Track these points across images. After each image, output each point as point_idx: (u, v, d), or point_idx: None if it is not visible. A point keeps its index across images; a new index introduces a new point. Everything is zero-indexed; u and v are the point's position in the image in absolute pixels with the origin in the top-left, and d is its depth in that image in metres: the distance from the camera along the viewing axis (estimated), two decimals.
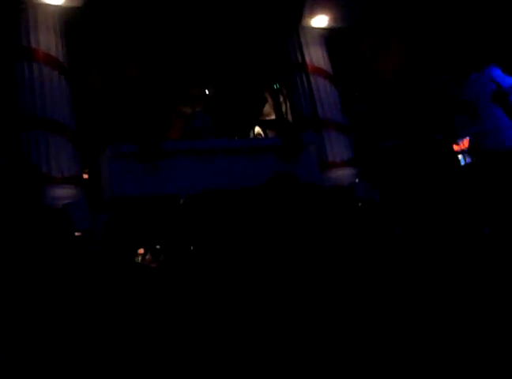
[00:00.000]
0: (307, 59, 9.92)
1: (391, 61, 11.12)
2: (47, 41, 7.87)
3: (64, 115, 7.80)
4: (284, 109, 11.11)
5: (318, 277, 3.82)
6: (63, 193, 7.35)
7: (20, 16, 7.81)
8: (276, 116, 11.73)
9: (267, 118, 11.07)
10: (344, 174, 9.24)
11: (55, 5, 7.97)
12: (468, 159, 8.08)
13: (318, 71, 9.87)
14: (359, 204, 8.09)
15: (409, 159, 8.50)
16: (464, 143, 8.18)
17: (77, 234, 6.45)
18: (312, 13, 9.67)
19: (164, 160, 7.58)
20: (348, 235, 6.27)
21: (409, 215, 6.44)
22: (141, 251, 6.23)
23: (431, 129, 9.00)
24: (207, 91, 12.96)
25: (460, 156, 8.19)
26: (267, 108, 11.15)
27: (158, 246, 5.92)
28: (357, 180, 8.69)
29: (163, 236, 5.98)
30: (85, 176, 8.35)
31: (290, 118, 10.83)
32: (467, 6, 9.92)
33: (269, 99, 11.45)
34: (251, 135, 9.78)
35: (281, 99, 11.20)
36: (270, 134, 10.27)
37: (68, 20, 8.27)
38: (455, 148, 8.28)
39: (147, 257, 6.04)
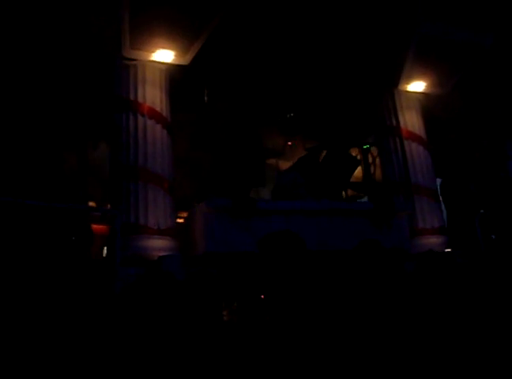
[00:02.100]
0: (402, 123, 9.89)
1: None
2: (153, 96, 8.18)
3: (164, 167, 8.03)
4: (372, 170, 11.07)
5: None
6: (159, 244, 7.50)
7: (129, 71, 8.18)
8: (363, 177, 11.68)
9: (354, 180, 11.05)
10: (434, 241, 9.03)
11: (163, 62, 8.28)
12: None
13: (412, 136, 9.81)
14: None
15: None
16: None
17: None
18: (409, 78, 9.66)
19: (257, 218, 7.65)
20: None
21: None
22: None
23: None
24: (289, 143, 13.11)
25: None
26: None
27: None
28: (449, 249, 8.48)
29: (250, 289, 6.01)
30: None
31: (376, 178, 10.78)
32: None
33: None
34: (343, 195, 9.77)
35: (370, 160, 11.17)
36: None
37: (172, 76, 8.59)
38: None
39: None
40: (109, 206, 8.66)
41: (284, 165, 11.99)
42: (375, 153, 10.98)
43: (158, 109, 8.17)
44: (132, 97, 8.10)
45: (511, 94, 10.58)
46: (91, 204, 10.56)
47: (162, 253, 7.19)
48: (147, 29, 7.74)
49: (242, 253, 6.99)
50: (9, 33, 8.23)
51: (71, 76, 9.35)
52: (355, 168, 9.45)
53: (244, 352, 4.36)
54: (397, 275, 7.37)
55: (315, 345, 4.30)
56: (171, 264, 6.90)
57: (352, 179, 11.29)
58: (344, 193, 9.24)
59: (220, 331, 5.41)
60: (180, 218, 9.04)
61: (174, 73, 8.65)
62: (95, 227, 8.97)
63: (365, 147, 11.21)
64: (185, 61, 8.32)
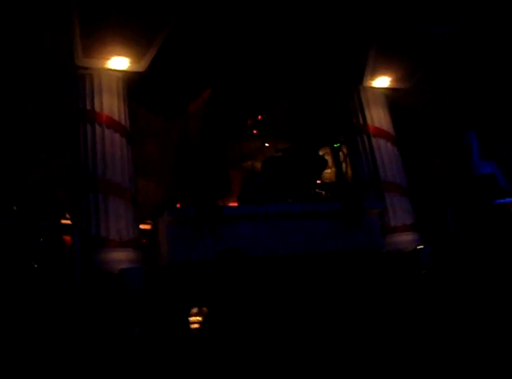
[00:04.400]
0: (369, 120, 9.76)
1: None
2: (110, 104, 7.99)
3: (124, 177, 7.84)
4: (344, 169, 10.93)
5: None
6: (121, 256, 7.32)
7: (84, 80, 8.00)
8: (336, 176, 11.54)
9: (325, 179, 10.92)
10: (407, 239, 8.91)
11: (119, 70, 8.10)
12: None
13: (380, 132, 9.67)
14: (423, 272, 7.79)
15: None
16: None
17: None
18: (373, 75, 9.53)
19: (223, 225, 7.51)
20: (403, 301, 6.00)
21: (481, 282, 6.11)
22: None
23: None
24: (266, 144, 12.98)
25: None
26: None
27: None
28: (422, 246, 8.34)
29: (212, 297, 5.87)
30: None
31: (349, 176, 10.65)
32: None
33: (329, 158, 11.32)
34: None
35: (341, 158, 11.03)
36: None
37: (130, 84, 8.42)
38: None
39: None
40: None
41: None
42: (346, 152, 10.85)
43: (116, 117, 7.97)
44: (88, 107, 7.90)
45: (473, 85, 10.50)
46: (68, 216, 10.31)
47: (125, 266, 7.02)
48: (99, 37, 7.54)
49: (207, 261, 6.85)
50: None
51: (32, 90, 9.18)
52: (323, 168, 9.29)
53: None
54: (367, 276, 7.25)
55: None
56: (133, 276, 6.75)
57: (326, 180, 11.19)
58: (324, 193, 9.07)
59: (184, 339, 5.28)
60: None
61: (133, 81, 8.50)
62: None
63: (335, 146, 11.07)
64: (141, 67, 8.14)
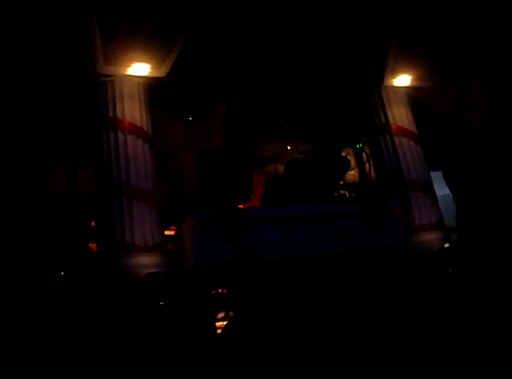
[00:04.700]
0: (391, 119, 9.69)
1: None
2: (132, 111, 8.05)
3: (147, 182, 7.87)
4: (367, 169, 10.89)
5: None
6: (147, 261, 7.35)
7: (106, 87, 8.06)
8: (359, 176, 11.50)
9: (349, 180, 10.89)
10: (432, 237, 8.83)
11: (140, 76, 8.16)
12: None
13: (402, 131, 9.60)
14: (450, 270, 7.71)
15: None
16: None
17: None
18: (394, 73, 9.47)
19: (247, 227, 7.52)
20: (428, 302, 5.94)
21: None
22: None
23: None
24: (289, 147, 12.99)
25: None
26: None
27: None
28: (447, 244, 8.27)
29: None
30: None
31: (373, 176, 10.60)
32: None
33: (352, 159, 11.29)
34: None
35: (365, 158, 10.99)
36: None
37: (151, 89, 8.47)
38: None
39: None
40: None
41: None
42: (369, 152, 10.80)
43: (138, 123, 8.02)
44: (111, 114, 7.95)
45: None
46: (93, 223, 10.42)
47: (150, 270, 7.05)
48: (119, 44, 7.61)
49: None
50: None
51: (54, 99, 9.30)
52: (346, 168, 9.24)
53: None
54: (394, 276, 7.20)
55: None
56: (159, 280, 6.77)
57: (349, 180, 11.16)
58: (347, 194, 9.05)
59: (212, 342, 5.28)
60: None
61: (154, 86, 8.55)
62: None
63: (358, 146, 11.03)
64: (161, 73, 8.18)
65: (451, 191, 10.85)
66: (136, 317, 6.19)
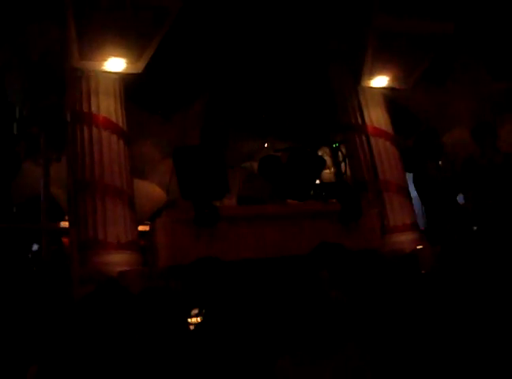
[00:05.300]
0: (367, 120, 9.69)
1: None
2: (107, 106, 7.95)
3: (122, 179, 7.80)
4: (343, 169, 10.89)
5: None
6: (119, 259, 7.29)
7: (81, 82, 7.95)
8: (335, 176, 11.52)
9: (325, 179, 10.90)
10: (406, 238, 8.88)
11: (116, 72, 8.06)
12: None
13: (379, 132, 9.62)
14: (423, 272, 7.74)
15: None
16: None
17: None
18: (371, 74, 9.46)
19: (221, 225, 7.48)
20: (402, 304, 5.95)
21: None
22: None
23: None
24: (266, 145, 12.97)
25: None
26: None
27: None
28: (421, 246, 8.32)
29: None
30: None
31: (349, 175, 10.61)
32: None
33: (328, 158, 11.31)
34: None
35: (340, 158, 10.99)
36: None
37: (127, 84, 8.39)
38: None
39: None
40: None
41: None
42: (345, 152, 10.81)
43: (113, 119, 7.93)
44: (85, 109, 7.84)
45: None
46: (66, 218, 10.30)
47: (123, 268, 6.99)
48: (95, 38, 7.46)
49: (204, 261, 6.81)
50: None
51: (27, 92, 9.19)
52: (322, 168, 9.24)
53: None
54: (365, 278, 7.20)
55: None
56: (131, 279, 6.71)
57: (325, 180, 11.14)
58: (323, 194, 9.04)
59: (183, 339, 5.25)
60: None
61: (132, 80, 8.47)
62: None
63: (334, 145, 11.03)
64: (138, 68, 8.06)
65: (418, 193, 10.85)
66: (108, 314, 6.12)
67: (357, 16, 8.73)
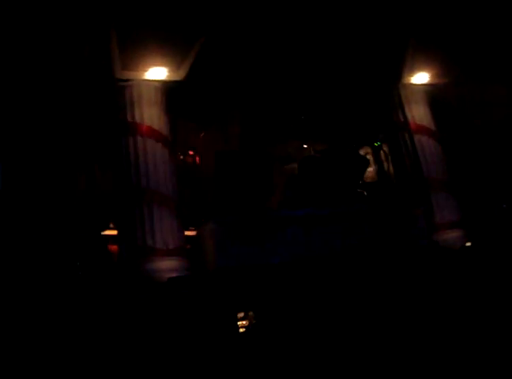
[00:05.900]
0: (409, 117, 9.64)
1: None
2: (150, 115, 8.07)
3: (167, 186, 7.91)
4: (386, 167, 10.80)
5: None
6: (168, 265, 7.38)
7: (124, 92, 8.10)
8: (377, 175, 11.42)
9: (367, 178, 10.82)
10: (453, 236, 8.76)
11: (158, 80, 8.18)
12: None
13: (421, 129, 9.55)
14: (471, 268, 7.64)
15: None
16: None
17: None
18: (412, 71, 9.39)
19: (268, 230, 7.49)
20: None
21: None
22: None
23: None
24: (305, 146, 12.93)
25: None
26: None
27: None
28: (469, 243, 8.20)
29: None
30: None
31: (392, 174, 10.52)
32: None
33: (371, 158, 11.22)
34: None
35: (383, 157, 10.90)
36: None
37: (169, 93, 8.49)
38: None
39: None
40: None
41: None
42: (388, 150, 10.72)
43: (157, 127, 8.05)
44: (129, 118, 8.00)
45: None
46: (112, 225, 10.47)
47: (172, 274, 7.06)
48: (136, 50, 7.67)
49: (255, 266, 6.84)
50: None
51: (74, 105, 9.36)
52: (366, 167, 9.16)
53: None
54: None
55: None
56: (181, 284, 6.78)
57: (368, 179, 11.06)
58: (366, 193, 8.98)
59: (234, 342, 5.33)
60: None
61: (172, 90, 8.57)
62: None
63: (376, 144, 10.95)
64: (179, 76, 8.20)
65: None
66: (160, 320, 6.22)
67: (399, 15, 8.64)
